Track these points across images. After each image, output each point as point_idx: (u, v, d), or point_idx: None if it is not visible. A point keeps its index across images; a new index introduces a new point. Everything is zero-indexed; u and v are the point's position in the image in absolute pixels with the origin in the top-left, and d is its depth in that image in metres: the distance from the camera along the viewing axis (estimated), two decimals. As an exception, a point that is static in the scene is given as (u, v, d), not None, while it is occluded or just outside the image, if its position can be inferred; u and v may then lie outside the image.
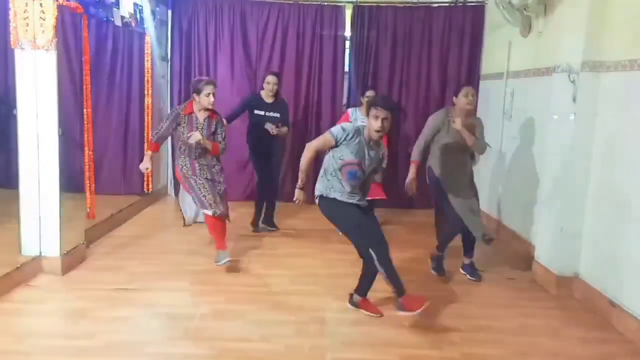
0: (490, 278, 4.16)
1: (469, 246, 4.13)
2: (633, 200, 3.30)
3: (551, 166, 4.04)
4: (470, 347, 3.07)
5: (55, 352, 2.83)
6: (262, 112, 4.98)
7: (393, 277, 3.19)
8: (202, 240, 4.77)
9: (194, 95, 3.98)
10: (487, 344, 3.12)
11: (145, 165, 4.07)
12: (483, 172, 5.90)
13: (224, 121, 4.32)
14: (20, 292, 3.54)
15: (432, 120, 4.07)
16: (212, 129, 4.07)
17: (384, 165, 3.55)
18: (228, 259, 3.96)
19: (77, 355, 2.82)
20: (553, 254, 3.95)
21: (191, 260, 4.29)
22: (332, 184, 3.28)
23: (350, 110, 5.24)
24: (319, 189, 3.34)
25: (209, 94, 3.93)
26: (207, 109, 4.02)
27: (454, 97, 4.02)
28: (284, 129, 5.02)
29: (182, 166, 4.08)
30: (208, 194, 3.98)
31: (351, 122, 4.77)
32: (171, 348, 2.93)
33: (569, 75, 3.80)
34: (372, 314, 3.41)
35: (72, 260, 3.97)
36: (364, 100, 5.17)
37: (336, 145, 3.22)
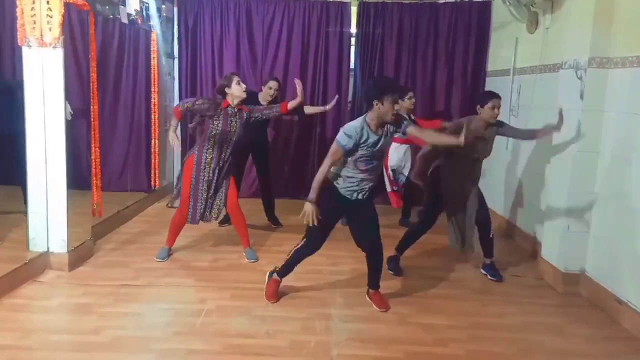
0: (496, 275, 4.15)
1: (486, 247, 4.09)
2: (640, 198, 3.29)
3: (558, 163, 4.02)
4: (475, 344, 3.06)
5: (61, 348, 2.85)
6: None
7: (286, 267, 3.50)
8: (208, 237, 4.79)
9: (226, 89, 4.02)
10: (492, 341, 3.11)
11: (176, 141, 4.02)
12: (489, 169, 5.88)
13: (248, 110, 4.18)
14: (28, 287, 3.57)
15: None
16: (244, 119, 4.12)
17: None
18: (165, 258, 4.19)
19: (84, 350, 2.83)
20: (560, 251, 3.93)
21: (197, 257, 4.31)
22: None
23: None
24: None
25: (238, 81, 4.03)
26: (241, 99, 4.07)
27: (478, 107, 3.86)
28: None
29: (205, 156, 4.04)
30: (197, 203, 4.10)
31: None
32: (177, 344, 2.94)
33: (576, 72, 3.77)
34: (377, 308, 3.43)
35: (79, 256, 3.99)
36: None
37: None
